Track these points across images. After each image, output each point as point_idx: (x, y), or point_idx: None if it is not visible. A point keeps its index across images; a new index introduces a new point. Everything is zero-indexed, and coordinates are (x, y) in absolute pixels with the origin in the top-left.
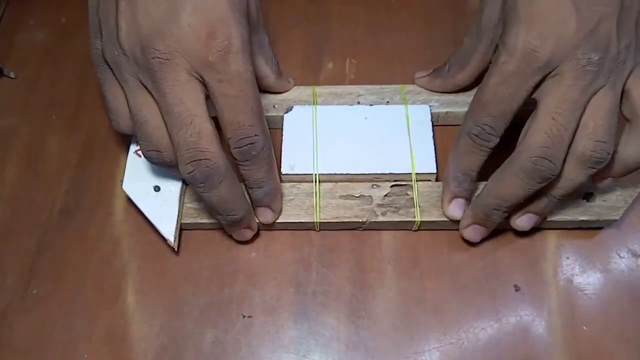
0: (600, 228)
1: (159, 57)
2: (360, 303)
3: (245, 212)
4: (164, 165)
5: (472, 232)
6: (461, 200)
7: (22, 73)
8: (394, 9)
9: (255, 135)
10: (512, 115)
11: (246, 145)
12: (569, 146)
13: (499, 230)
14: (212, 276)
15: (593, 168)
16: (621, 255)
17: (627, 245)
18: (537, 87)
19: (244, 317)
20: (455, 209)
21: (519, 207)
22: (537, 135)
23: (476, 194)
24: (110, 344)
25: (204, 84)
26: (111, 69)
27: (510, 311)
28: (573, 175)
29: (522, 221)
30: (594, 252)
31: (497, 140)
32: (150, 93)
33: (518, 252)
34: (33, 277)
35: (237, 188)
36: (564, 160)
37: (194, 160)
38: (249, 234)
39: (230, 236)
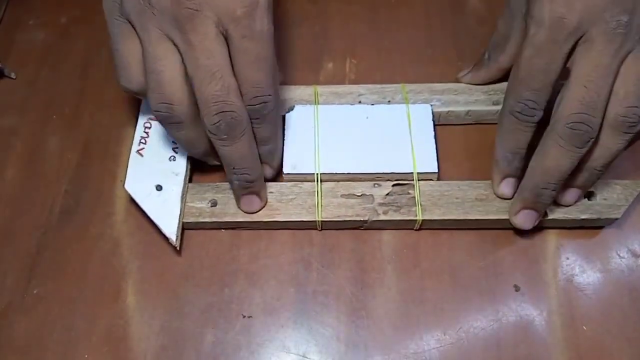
0: (600, 227)
1: (189, 8)
2: (360, 303)
3: (258, 174)
4: (168, 122)
5: (523, 218)
6: (512, 180)
7: (22, 73)
8: (394, 8)
9: (269, 95)
10: (551, 87)
11: (260, 103)
12: (604, 114)
13: (498, 230)
14: (212, 276)
15: (628, 133)
16: (621, 255)
17: (627, 245)
18: (570, 55)
19: (244, 317)
20: (506, 188)
21: (564, 185)
22: (570, 104)
23: None
24: (110, 344)
25: (227, 39)
26: (129, 21)
27: (510, 311)
28: (611, 143)
29: (568, 196)
30: (594, 252)
31: (541, 113)
32: (176, 45)
33: (518, 252)
34: (33, 277)
35: (254, 147)
36: (600, 128)
37: (221, 112)
38: (256, 204)
39: (230, 236)
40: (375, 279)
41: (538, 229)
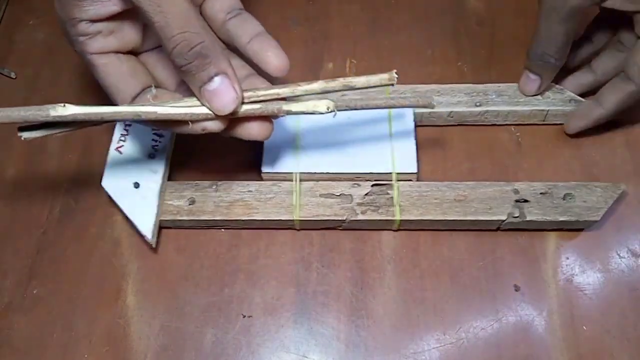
0: (580, 229)
1: None
2: (360, 303)
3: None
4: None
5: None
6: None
7: (22, 73)
8: (394, 9)
9: None
10: None
11: None
12: None
13: (499, 230)
14: (212, 276)
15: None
16: (621, 255)
17: (627, 245)
18: None
19: (244, 317)
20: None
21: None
22: None
23: None
24: (110, 344)
25: None
26: None
27: (510, 311)
28: None
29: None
30: (594, 252)
31: None
32: None
33: (518, 252)
34: (33, 277)
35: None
36: None
37: None
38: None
39: (230, 236)
40: (375, 279)
41: (538, 229)
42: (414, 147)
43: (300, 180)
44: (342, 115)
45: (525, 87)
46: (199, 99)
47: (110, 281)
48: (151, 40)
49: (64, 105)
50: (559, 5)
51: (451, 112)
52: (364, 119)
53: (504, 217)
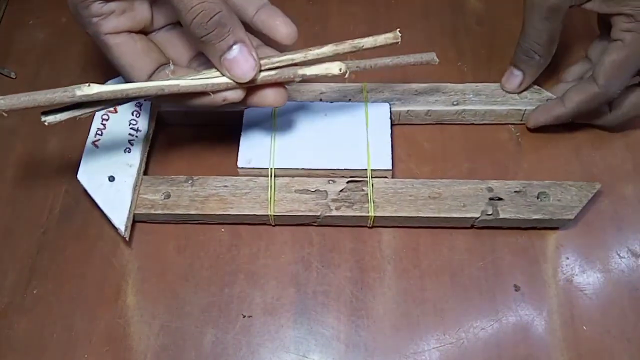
0: (555, 228)
1: None
2: (360, 303)
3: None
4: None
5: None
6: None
7: (22, 73)
8: (393, 9)
9: None
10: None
11: None
12: None
13: (498, 230)
14: (212, 276)
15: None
16: (621, 255)
17: (627, 245)
18: None
19: (244, 317)
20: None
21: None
22: None
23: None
24: (110, 344)
25: None
26: None
27: (510, 311)
28: None
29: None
30: (594, 252)
31: None
32: None
33: (518, 252)
34: (33, 277)
35: None
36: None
37: None
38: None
39: (230, 236)
40: (375, 279)
41: (538, 229)
42: (390, 144)
43: (276, 175)
44: (320, 113)
45: (507, 82)
46: (218, 69)
47: (110, 281)
48: (159, 20)
49: (89, 85)
50: (537, 3)
51: (429, 110)
52: (341, 115)
53: (477, 215)
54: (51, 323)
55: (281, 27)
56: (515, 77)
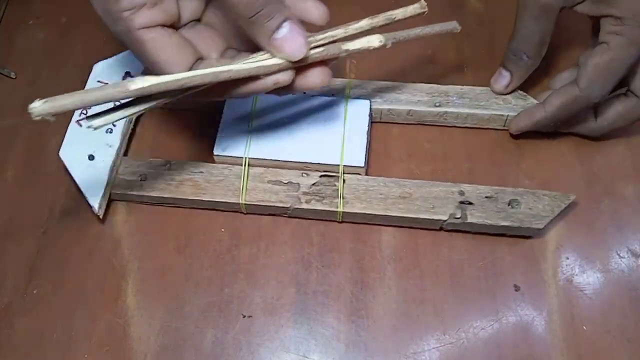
0: (528, 237)
1: None
2: (360, 303)
3: None
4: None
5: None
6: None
7: (22, 73)
8: (394, 9)
9: None
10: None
11: None
12: None
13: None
14: (212, 276)
15: None
16: (621, 255)
17: (627, 245)
18: None
19: (244, 317)
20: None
21: None
22: None
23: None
24: (110, 344)
25: None
26: None
27: (510, 311)
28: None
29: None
30: (594, 252)
31: None
32: None
33: (518, 252)
34: (33, 277)
35: None
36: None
37: None
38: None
39: (230, 236)
40: (375, 279)
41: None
42: (365, 141)
43: (251, 165)
44: (300, 106)
45: (495, 83)
46: (268, 50)
47: (110, 281)
48: (184, 15)
49: (143, 77)
50: (530, 2)
51: (410, 110)
52: (321, 110)
53: (445, 217)
54: (51, 323)
55: (313, 8)
56: (503, 78)
